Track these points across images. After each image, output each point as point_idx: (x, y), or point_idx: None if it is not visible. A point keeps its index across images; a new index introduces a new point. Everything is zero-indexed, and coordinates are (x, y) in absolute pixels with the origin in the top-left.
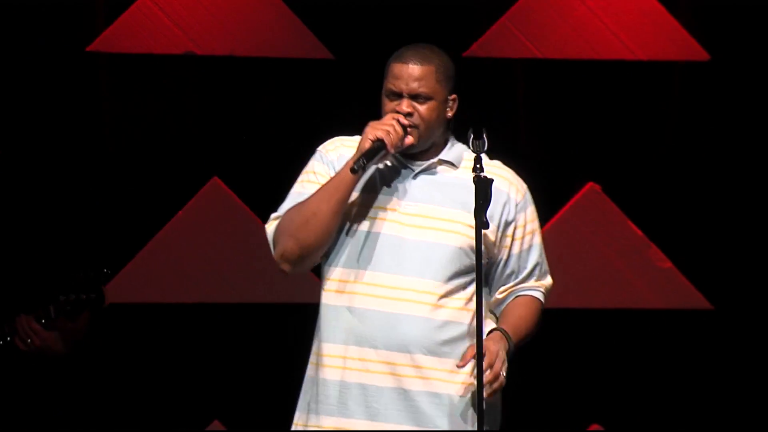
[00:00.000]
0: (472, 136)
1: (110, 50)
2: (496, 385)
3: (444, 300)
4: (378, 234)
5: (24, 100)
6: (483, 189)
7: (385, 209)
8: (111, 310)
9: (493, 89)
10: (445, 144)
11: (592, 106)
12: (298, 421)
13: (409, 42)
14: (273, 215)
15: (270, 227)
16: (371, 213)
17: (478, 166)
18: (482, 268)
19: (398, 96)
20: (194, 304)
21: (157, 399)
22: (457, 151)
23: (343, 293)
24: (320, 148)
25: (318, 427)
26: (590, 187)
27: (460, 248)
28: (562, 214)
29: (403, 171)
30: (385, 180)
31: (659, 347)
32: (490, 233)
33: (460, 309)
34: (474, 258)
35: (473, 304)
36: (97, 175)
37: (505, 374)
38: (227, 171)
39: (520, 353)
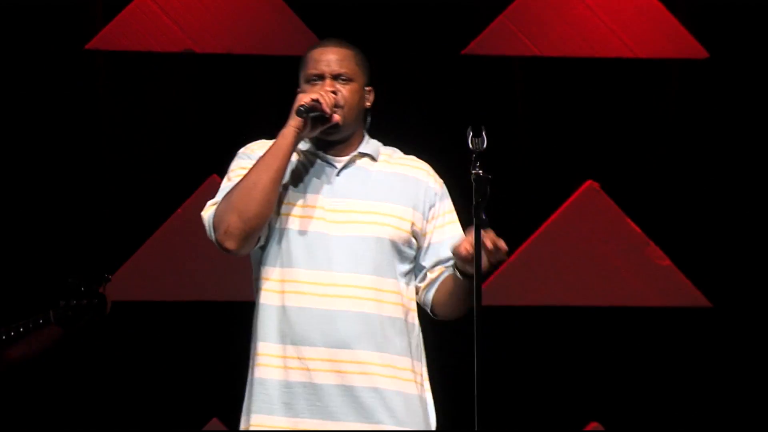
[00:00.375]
0: (471, 133)
1: (109, 48)
2: (502, 244)
3: (378, 294)
4: (307, 232)
5: (21, 98)
6: (482, 187)
7: (312, 207)
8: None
9: (491, 87)
10: (363, 137)
11: (590, 104)
12: (242, 425)
13: (406, 40)
14: (210, 202)
15: (207, 212)
16: (299, 212)
17: (477, 164)
18: (481, 264)
19: (320, 78)
20: (193, 301)
21: (156, 397)
22: (374, 145)
23: (276, 293)
24: (243, 149)
25: (260, 427)
26: (589, 185)
27: (390, 240)
28: (560, 212)
29: (326, 168)
30: (310, 178)
31: (658, 345)
32: (417, 221)
33: (394, 303)
34: (407, 250)
35: (406, 299)
36: (96, 172)
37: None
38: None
39: (521, 350)
